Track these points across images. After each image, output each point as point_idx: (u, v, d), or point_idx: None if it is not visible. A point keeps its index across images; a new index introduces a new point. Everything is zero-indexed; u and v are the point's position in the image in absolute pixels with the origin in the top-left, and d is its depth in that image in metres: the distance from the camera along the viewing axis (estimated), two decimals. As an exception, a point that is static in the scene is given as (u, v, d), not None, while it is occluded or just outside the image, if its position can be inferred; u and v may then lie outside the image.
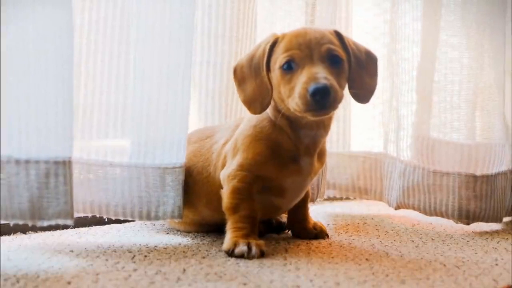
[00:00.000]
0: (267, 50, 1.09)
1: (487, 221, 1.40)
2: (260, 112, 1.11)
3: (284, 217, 1.31)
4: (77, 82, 1.15)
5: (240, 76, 1.12)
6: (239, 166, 1.11)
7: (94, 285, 0.87)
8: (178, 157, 1.17)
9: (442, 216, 1.41)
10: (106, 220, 1.28)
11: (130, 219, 1.18)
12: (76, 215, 1.22)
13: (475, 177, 1.38)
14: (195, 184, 1.19)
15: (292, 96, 1.03)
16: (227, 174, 1.12)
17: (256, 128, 1.13)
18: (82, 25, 1.15)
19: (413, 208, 1.45)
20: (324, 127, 1.13)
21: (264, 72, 1.09)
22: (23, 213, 0.99)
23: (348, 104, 1.61)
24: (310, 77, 1.01)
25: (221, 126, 1.27)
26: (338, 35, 1.11)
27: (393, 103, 1.50)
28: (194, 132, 1.29)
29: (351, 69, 1.10)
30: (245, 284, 0.89)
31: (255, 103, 1.10)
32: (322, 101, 0.99)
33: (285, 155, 1.11)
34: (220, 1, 1.37)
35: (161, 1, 1.14)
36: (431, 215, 1.43)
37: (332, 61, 1.05)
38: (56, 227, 1.24)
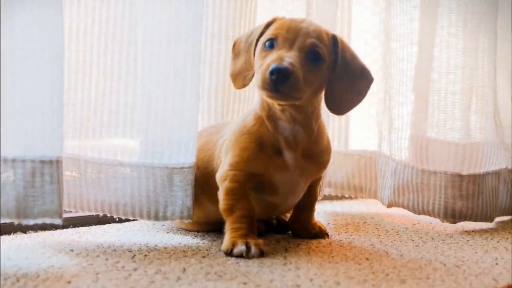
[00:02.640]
0: (262, 27, 1.11)
1: (475, 220, 1.40)
2: (241, 87, 1.14)
3: (287, 217, 1.31)
4: (89, 82, 1.17)
5: (237, 50, 1.15)
6: (230, 166, 1.11)
7: (94, 285, 0.87)
8: (187, 157, 1.16)
9: (429, 214, 1.42)
10: (106, 219, 1.28)
11: (138, 219, 1.18)
12: (87, 213, 1.24)
13: (461, 176, 1.39)
14: (200, 178, 1.19)
15: (258, 72, 1.04)
16: (220, 175, 1.12)
17: (242, 123, 1.14)
18: (93, 25, 1.16)
19: (403, 207, 1.45)
20: (299, 123, 1.11)
21: (253, 48, 1.11)
22: (9, 212, 0.99)
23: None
24: (277, 57, 1.02)
25: (229, 122, 1.27)
26: (334, 39, 1.10)
27: (387, 102, 1.51)
28: (207, 128, 1.31)
29: (334, 75, 1.09)
30: (245, 283, 0.89)
31: (239, 77, 1.13)
32: (278, 82, 0.99)
33: (269, 147, 1.11)
34: (216, 0, 1.37)
35: (169, 0, 1.14)
36: (419, 213, 1.43)
37: (312, 56, 1.05)
38: (56, 227, 1.24)
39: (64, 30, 1.05)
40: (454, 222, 1.40)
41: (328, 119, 1.58)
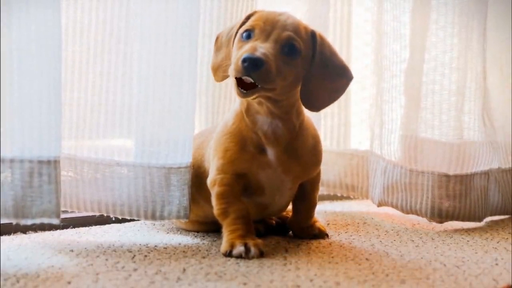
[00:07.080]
0: (242, 19, 1.11)
1: (462, 220, 1.41)
2: (221, 80, 1.14)
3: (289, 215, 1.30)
4: (86, 82, 1.17)
5: (219, 44, 1.16)
6: (216, 170, 1.11)
7: (94, 285, 0.87)
8: (183, 157, 1.17)
9: (416, 214, 1.43)
10: (106, 219, 1.28)
11: (136, 218, 1.18)
12: (86, 214, 1.24)
13: (447, 176, 1.40)
14: (195, 178, 1.19)
15: (233, 62, 1.04)
16: (210, 181, 1.13)
17: (223, 123, 1.14)
18: (90, 25, 1.16)
19: (392, 206, 1.46)
20: (279, 118, 1.10)
21: (232, 40, 1.11)
22: (7, 212, 0.99)
23: (346, 102, 1.61)
24: (251, 47, 1.02)
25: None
26: (313, 34, 1.09)
27: (379, 102, 1.51)
28: (206, 128, 1.31)
29: (311, 71, 1.08)
30: (245, 284, 0.89)
31: (219, 70, 1.13)
32: (249, 69, 0.99)
33: (251, 145, 1.11)
34: (207, 0, 1.37)
35: (165, 0, 1.14)
36: (407, 213, 1.44)
37: (287, 49, 1.04)
38: (56, 227, 1.24)
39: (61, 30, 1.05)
40: (441, 222, 1.41)
41: (325, 118, 1.59)
